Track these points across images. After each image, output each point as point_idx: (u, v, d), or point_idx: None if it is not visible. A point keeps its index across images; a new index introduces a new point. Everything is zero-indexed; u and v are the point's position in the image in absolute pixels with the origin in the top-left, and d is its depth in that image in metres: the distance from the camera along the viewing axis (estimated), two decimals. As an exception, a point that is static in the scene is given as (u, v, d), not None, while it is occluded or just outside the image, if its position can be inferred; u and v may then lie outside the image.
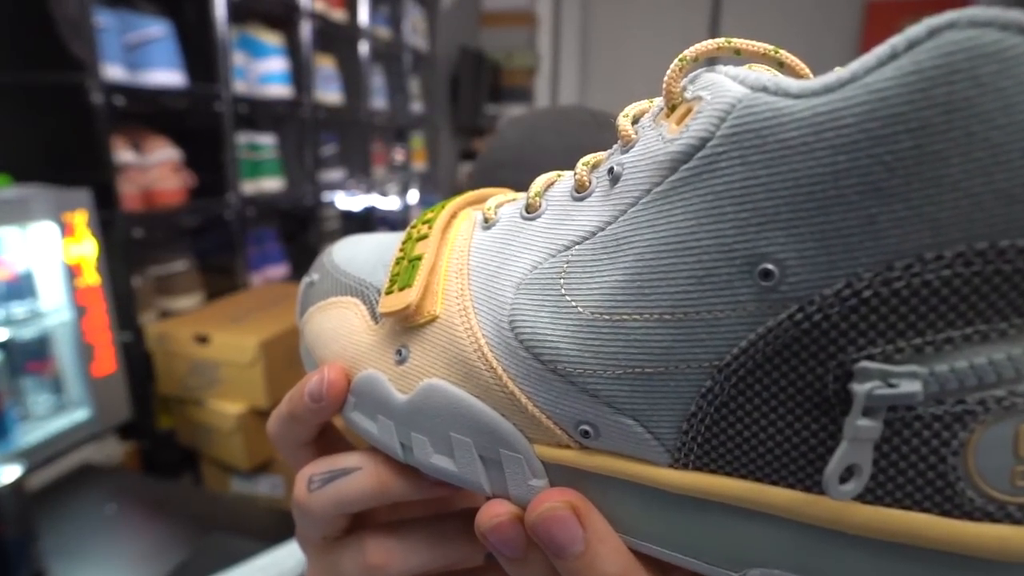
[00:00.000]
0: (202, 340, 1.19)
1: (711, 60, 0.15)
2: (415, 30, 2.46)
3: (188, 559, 0.71)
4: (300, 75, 1.71)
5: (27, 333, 0.99)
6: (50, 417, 1.04)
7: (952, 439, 0.12)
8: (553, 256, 0.16)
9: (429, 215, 0.21)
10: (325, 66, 1.89)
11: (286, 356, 1.21)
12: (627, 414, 0.15)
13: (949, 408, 0.12)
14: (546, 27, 3.31)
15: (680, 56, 0.15)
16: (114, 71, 1.15)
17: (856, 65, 0.12)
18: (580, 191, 0.17)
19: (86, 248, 1.04)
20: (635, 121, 0.17)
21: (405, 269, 0.19)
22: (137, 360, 1.23)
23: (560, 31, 3.31)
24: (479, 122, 3.02)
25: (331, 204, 1.98)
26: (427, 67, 2.65)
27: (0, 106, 1.16)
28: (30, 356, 1.01)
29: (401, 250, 0.20)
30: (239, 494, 1.27)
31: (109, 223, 1.13)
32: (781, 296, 0.13)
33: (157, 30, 1.25)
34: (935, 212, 0.11)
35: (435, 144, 2.84)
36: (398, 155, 2.45)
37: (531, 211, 0.18)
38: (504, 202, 0.20)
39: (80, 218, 1.02)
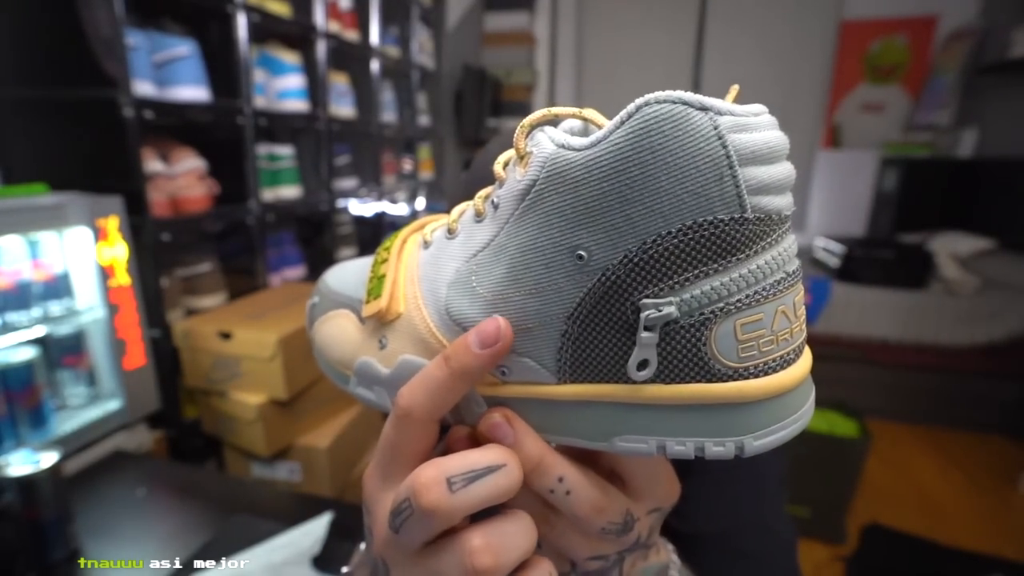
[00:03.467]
0: (225, 336, 1.19)
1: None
2: (422, 49, 2.45)
3: (212, 539, 0.71)
4: (316, 91, 1.70)
5: (64, 329, 0.99)
6: (84, 407, 1.04)
7: (702, 335, 0.18)
8: (466, 262, 0.22)
9: (388, 244, 0.27)
10: (339, 83, 1.89)
11: (303, 351, 1.21)
12: (524, 355, 0.21)
13: (696, 318, 0.18)
14: (543, 47, 3.31)
15: (520, 124, 0.21)
16: (144, 87, 1.15)
17: (606, 128, 0.18)
18: (479, 216, 0.23)
19: (118, 251, 1.04)
20: (505, 166, 0.22)
21: (375, 285, 0.25)
22: (165, 355, 1.23)
23: (556, 50, 3.31)
24: (481, 134, 3.01)
25: (344, 210, 1.97)
26: (433, 83, 2.65)
27: (39, 120, 1.16)
28: (66, 351, 1.01)
29: (372, 271, 0.26)
30: (259, 479, 1.27)
31: (139, 228, 1.13)
32: (591, 269, 0.19)
33: (183, 49, 1.24)
34: (660, 207, 0.17)
35: (441, 155, 2.84)
36: (406, 165, 2.45)
37: (451, 233, 0.24)
38: (437, 227, 0.26)
39: (112, 223, 1.02)
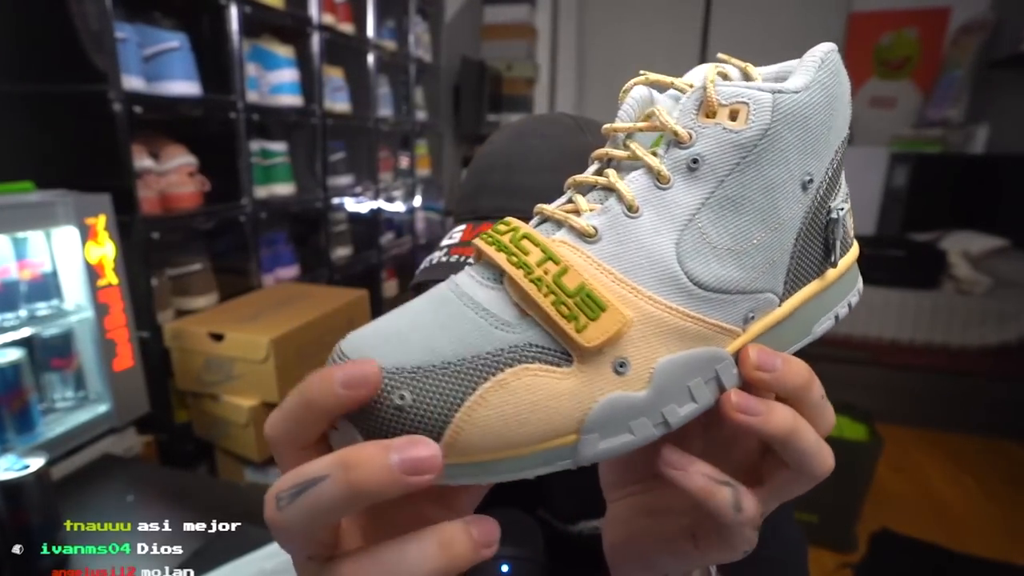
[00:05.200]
0: (217, 337, 1.19)
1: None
2: (419, 42, 2.45)
3: (203, 547, 0.71)
4: (310, 85, 1.70)
5: (51, 330, 0.99)
6: (73, 410, 1.04)
7: (846, 220, 0.25)
8: (684, 229, 0.22)
9: (544, 254, 0.21)
10: (334, 77, 1.89)
11: (297, 353, 1.21)
12: (769, 291, 0.23)
13: (845, 210, 0.25)
14: (544, 39, 3.31)
15: (708, 80, 0.23)
16: (133, 82, 1.15)
17: (810, 71, 0.23)
18: (664, 182, 0.22)
19: (106, 250, 1.04)
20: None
21: (578, 303, 0.20)
22: (155, 356, 1.23)
23: (557, 43, 3.31)
24: (481, 130, 3.01)
25: (340, 208, 1.98)
26: (431, 77, 2.65)
27: (25, 115, 1.16)
28: (54, 352, 1.01)
29: (550, 294, 0.20)
30: (252, 484, 1.27)
31: (128, 226, 1.13)
32: (812, 189, 0.24)
33: (174, 42, 1.24)
34: (838, 128, 0.24)
35: (439, 151, 2.84)
36: (403, 161, 2.45)
37: (633, 211, 0.22)
38: (585, 217, 0.23)
39: (101, 222, 1.02)
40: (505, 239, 0.22)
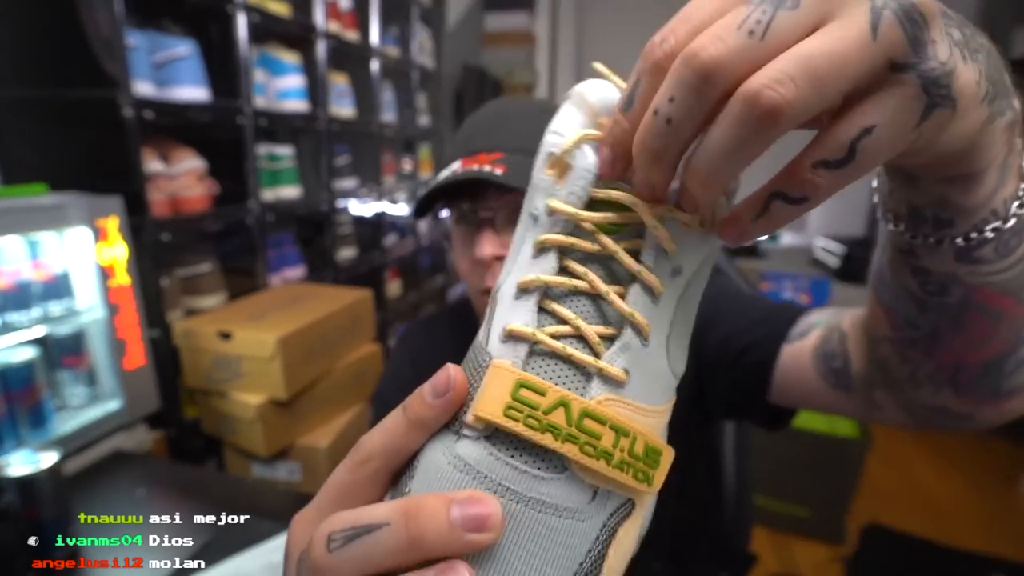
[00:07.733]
0: (225, 336, 1.19)
1: None
2: (422, 49, 2.45)
3: (212, 539, 0.71)
4: (316, 91, 1.70)
5: (64, 329, 0.99)
6: (84, 407, 1.04)
7: None
8: (668, 335, 0.21)
9: (599, 439, 0.18)
10: (339, 82, 1.89)
11: (303, 351, 1.21)
12: None
13: None
14: (543, 46, 3.31)
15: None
16: (144, 87, 1.15)
17: None
18: (657, 296, 0.20)
19: (118, 251, 1.04)
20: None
21: (646, 463, 0.19)
22: (165, 355, 1.23)
23: (556, 50, 3.31)
24: (481, 134, 3.01)
25: (344, 210, 1.97)
26: (433, 83, 2.65)
27: (39, 120, 1.16)
28: (66, 351, 1.01)
29: (629, 469, 0.19)
30: (259, 479, 1.27)
31: (139, 228, 1.13)
32: None
33: (183, 49, 1.25)
34: None
35: (441, 155, 2.84)
36: (406, 165, 2.45)
37: (646, 339, 0.20)
38: (605, 384, 0.19)
39: (112, 223, 1.02)
40: (558, 419, 0.18)
